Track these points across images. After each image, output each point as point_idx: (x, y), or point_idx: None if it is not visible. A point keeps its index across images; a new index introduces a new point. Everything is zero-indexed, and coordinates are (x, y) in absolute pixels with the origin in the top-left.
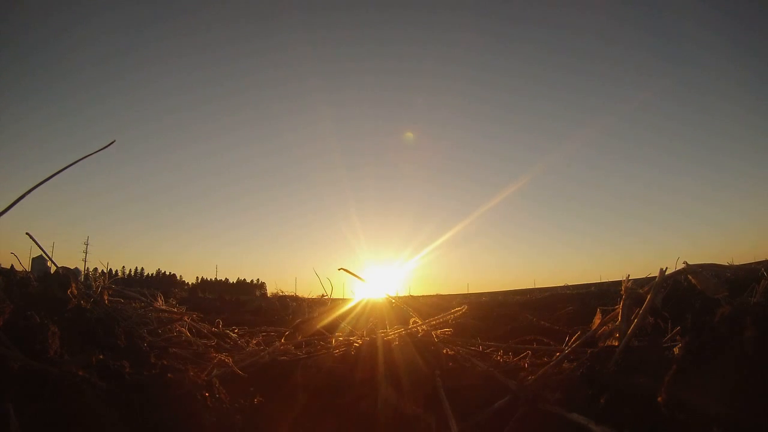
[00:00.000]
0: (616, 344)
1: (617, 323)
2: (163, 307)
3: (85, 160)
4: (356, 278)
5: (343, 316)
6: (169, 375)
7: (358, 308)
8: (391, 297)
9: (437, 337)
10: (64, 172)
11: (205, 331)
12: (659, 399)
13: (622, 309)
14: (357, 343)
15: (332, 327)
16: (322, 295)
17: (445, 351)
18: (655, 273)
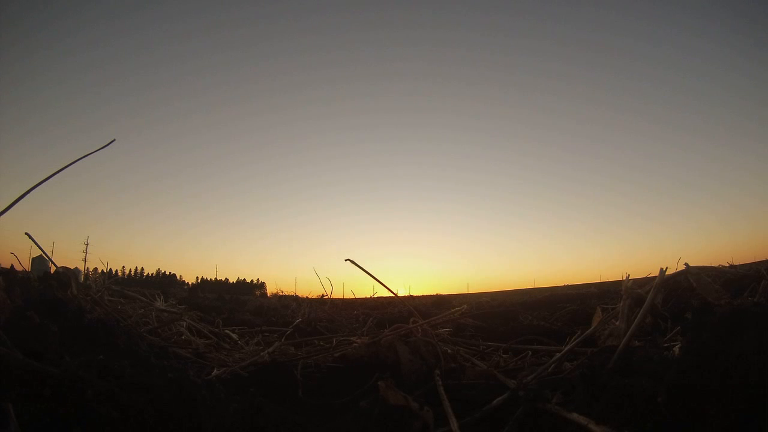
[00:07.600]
0: (616, 344)
1: (617, 323)
2: (163, 307)
3: (85, 159)
4: (363, 271)
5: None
6: (169, 375)
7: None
8: (394, 295)
9: (437, 336)
10: (63, 171)
11: (205, 331)
12: (659, 399)
13: (622, 309)
14: (356, 342)
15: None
16: (323, 295)
17: (444, 350)
18: (655, 273)
